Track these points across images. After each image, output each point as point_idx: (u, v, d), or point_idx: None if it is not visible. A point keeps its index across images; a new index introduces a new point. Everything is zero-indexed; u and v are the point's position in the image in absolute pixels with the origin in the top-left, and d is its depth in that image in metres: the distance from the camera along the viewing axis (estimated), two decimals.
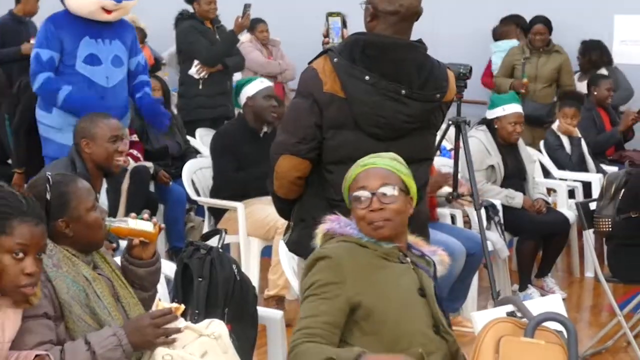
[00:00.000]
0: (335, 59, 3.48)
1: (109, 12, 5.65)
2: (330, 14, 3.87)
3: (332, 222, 3.17)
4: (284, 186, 3.61)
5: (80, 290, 3.02)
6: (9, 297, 2.79)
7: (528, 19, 9.29)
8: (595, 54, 9.08)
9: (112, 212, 4.93)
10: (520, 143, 6.75)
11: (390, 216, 3.09)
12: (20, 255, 2.74)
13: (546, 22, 8.95)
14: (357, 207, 3.12)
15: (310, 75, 3.53)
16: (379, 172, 3.15)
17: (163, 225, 3.29)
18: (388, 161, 3.19)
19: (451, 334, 3.07)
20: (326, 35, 3.87)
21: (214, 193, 6.29)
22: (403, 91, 3.48)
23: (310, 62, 3.61)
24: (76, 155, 4.85)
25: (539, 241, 6.56)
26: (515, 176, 6.59)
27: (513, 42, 9.41)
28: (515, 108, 6.58)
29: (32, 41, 8.58)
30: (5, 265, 2.73)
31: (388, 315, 2.90)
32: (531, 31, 9.00)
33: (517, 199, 6.44)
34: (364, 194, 3.11)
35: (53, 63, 5.67)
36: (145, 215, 3.25)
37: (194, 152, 7.39)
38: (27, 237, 2.76)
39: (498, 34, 9.80)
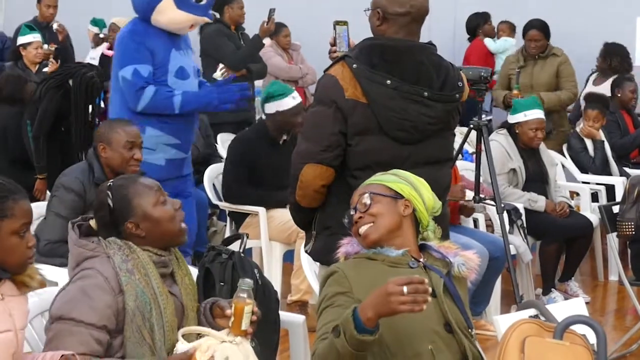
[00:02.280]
0: (354, 65, 3.47)
1: (192, 26, 5.49)
2: (337, 23, 3.85)
3: (346, 246, 3.21)
4: (308, 195, 3.59)
5: (147, 302, 3.04)
6: (10, 285, 2.83)
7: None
8: (616, 59, 8.93)
9: None
10: (542, 146, 6.72)
11: (371, 219, 3.13)
12: (24, 232, 2.80)
13: (542, 28, 8.27)
14: (350, 227, 3.20)
15: (331, 83, 3.51)
16: (359, 189, 3.22)
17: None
18: (371, 178, 3.24)
19: (467, 332, 3.06)
20: (333, 43, 3.84)
21: (228, 199, 6.28)
22: (425, 93, 3.49)
23: (326, 70, 3.60)
24: (94, 159, 4.88)
25: (562, 244, 6.53)
26: (536, 180, 6.56)
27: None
28: (536, 114, 6.56)
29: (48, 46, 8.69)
30: (13, 245, 2.78)
31: (395, 320, 2.90)
32: (525, 37, 8.34)
33: (539, 202, 6.41)
34: (351, 212, 3.18)
35: (152, 78, 5.33)
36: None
37: (219, 157, 7.39)
38: (27, 213, 2.82)
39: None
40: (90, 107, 6.51)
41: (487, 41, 10.54)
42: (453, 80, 3.59)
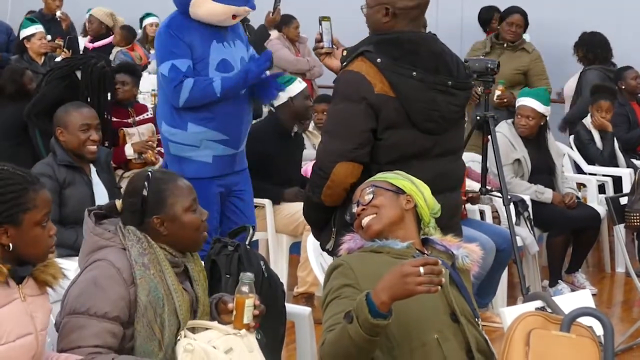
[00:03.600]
0: (378, 60, 3.45)
1: (235, 17, 5.24)
2: (323, 18, 3.83)
3: (349, 242, 3.23)
4: (336, 194, 3.55)
5: (160, 298, 3.04)
6: (32, 284, 2.82)
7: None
8: (597, 50, 8.82)
9: (111, 194, 4.97)
10: (550, 138, 6.70)
11: (373, 210, 3.17)
12: (46, 221, 2.80)
13: (524, 15, 7.96)
14: (353, 222, 3.23)
15: (358, 79, 3.47)
16: (362, 186, 3.27)
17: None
18: (374, 177, 3.30)
19: (473, 322, 3.08)
20: (320, 39, 3.82)
21: None
22: (449, 82, 3.51)
23: (344, 67, 3.56)
24: (55, 144, 4.99)
25: (569, 236, 6.52)
26: (542, 171, 6.55)
27: None
28: (524, 101, 6.58)
29: (59, 41, 8.70)
30: (37, 236, 2.78)
31: (402, 310, 2.92)
32: (506, 21, 7.96)
33: (546, 194, 6.40)
34: (353, 208, 3.22)
35: (191, 72, 5.09)
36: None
37: None
38: (47, 203, 2.81)
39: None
40: (103, 97, 6.53)
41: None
42: (464, 68, 3.63)
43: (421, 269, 2.69)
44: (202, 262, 3.36)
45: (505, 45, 7.87)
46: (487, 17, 10.00)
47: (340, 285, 3.01)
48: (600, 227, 6.79)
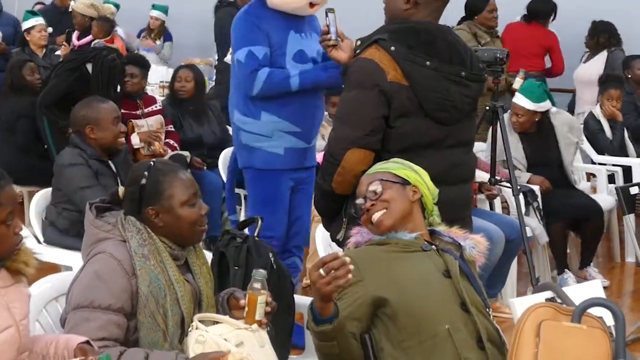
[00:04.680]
0: (392, 48, 3.44)
1: (313, 6, 5.05)
2: (329, 10, 3.82)
3: (356, 236, 3.24)
4: (346, 182, 3.52)
5: (161, 288, 3.03)
6: (5, 274, 2.78)
7: None
8: (603, 36, 8.93)
9: None
10: (558, 129, 6.65)
11: (383, 205, 3.17)
12: (10, 220, 2.73)
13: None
14: (359, 216, 3.23)
15: (371, 67, 3.46)
16: (365, 178, 3.26)
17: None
18: (374, 167, 3.31)
19: (484, 311, 3.09)
20: (327, 32, 3.80)
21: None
22: (463, 73, 3.51)
23: (358, 54, 3.54)
24: (80, 142, 4.99)
25: (567, 224, 6.48)
26: (539, 164, 6.51)
27: None
28: (516, 98, 6.60)
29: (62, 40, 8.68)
30: (1, 234, 2.72)
31: (412, 302, 2.95)
32: (486, 9, 7.96)
33: (523, 177, 6.38)
34: (359, 201, 3.22)
35: (268, 60, 4.92)
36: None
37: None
38: (13, 200, 2.75)
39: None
40: (113, 89, 6.53)
41: None
42: (477, 60, 3.62)
43: (321, 271, 2.75)
44: (206, 255, 3.35)
45: (492, 32, 8.00)
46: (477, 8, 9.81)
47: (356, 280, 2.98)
48: (604, 219, 6.75)
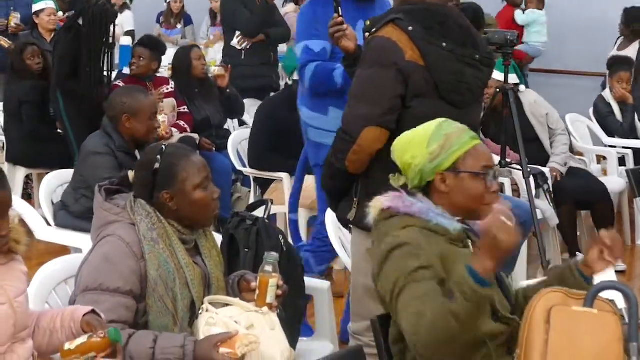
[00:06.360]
0: (410, 28, 3.41)
1: None
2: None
3: (395, 199, 2.94)
4: (361, 160, 3.50)
5: (171, 272, 3.03)
6: None
7: None
8: (637, 24, 8.90)
9: None
10: (527, 107, 6.55)
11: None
12: None
13: None
14: (477, 184, 2.93)
15: (389, 45, 3.43)
16: (488, 152, 3.01)
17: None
18: (472, 138, 3.02)
19: (510, 318, 2.95)
20: (342, 22, 3.76)
21: (254, 164, 6.28)
22: (477, 56, 3.49)
23: (374, 33, 3.51)
24: (112, 130, 4.92)
25: (574, 205, 6.45)
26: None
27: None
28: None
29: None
30: None
31: None
32: None
33: None
34: (490, 173, 2.96)
35: (326, 55, 4.76)
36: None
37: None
38: (5, 205, 2.71)
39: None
40: (106, 36, 6.49)
41: (517, 13, 10.37)
42: (485, 44, 3.61)
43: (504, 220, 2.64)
44: (215, 238, 3.34)
45: None
46: None
47: (417, 267, 2.77)
48: (613, 200, 6.72)
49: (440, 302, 2.66)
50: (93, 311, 2.84)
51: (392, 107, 3.43)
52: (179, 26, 11.43)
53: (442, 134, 2.95)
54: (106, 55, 6.52)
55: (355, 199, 3.59)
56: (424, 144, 2.95)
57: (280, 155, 6.13)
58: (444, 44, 3.41)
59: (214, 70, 7.24)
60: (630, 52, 8.79)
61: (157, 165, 3.11)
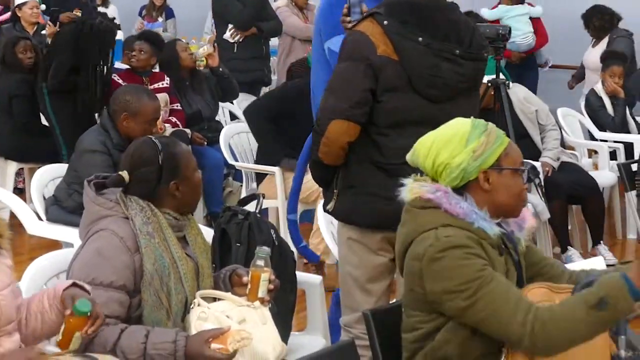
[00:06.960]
0: (385, 22, 3.42)
1: None
2: None
3: (439, 193, 2.82)
4: (332, 152, 3.53)
5: (166, 267, 3.03)
6: None
7: None
8: (595, 20, 8.89)
9: None
10: (516, 103, 6.56)
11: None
12: None
13: None
14: (517, 180, 2.87)
15: (361, 39, 3.45)
16: (518, 149, 2.94)
17: None
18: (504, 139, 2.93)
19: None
20: (348, 14, 3.74)
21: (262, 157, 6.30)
22: (457, 51, 3.47)
23: (353, 27, 3.54)
24: (110, 126, 4.89)
25: (565, 200, 6.45)
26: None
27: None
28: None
29: (77, 12, 8.64)
30: None
31: None
32: None
33: None
34: (524, 170, 2.92)
35: None
36: None
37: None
38: None
39: None
40: (104, 55, 6.51)
41: (483, 10, 10.25)
42: (480, 39, 3.58)
43: None
44: (199, 226, 3.35)
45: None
46: None
47: (482, 266, 2.70)
48: (603, 194, 6.73)
49: (585, 314, 2.62)
50: (74, 284, 2.83)
51: (360, 100, 3.44)
52: (160, 19, 11.44)
53: (481, 132, 2.86)
54: (105, 67, 6.55)
55: (335, 191, 3.61)
56: (462, 142, 2.84)
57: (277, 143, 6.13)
58: (420, 39, 3.41)
59: (203, 50, 7.21)
60: (598, 50, 8.77)
61: (160, 160, 3.12)
